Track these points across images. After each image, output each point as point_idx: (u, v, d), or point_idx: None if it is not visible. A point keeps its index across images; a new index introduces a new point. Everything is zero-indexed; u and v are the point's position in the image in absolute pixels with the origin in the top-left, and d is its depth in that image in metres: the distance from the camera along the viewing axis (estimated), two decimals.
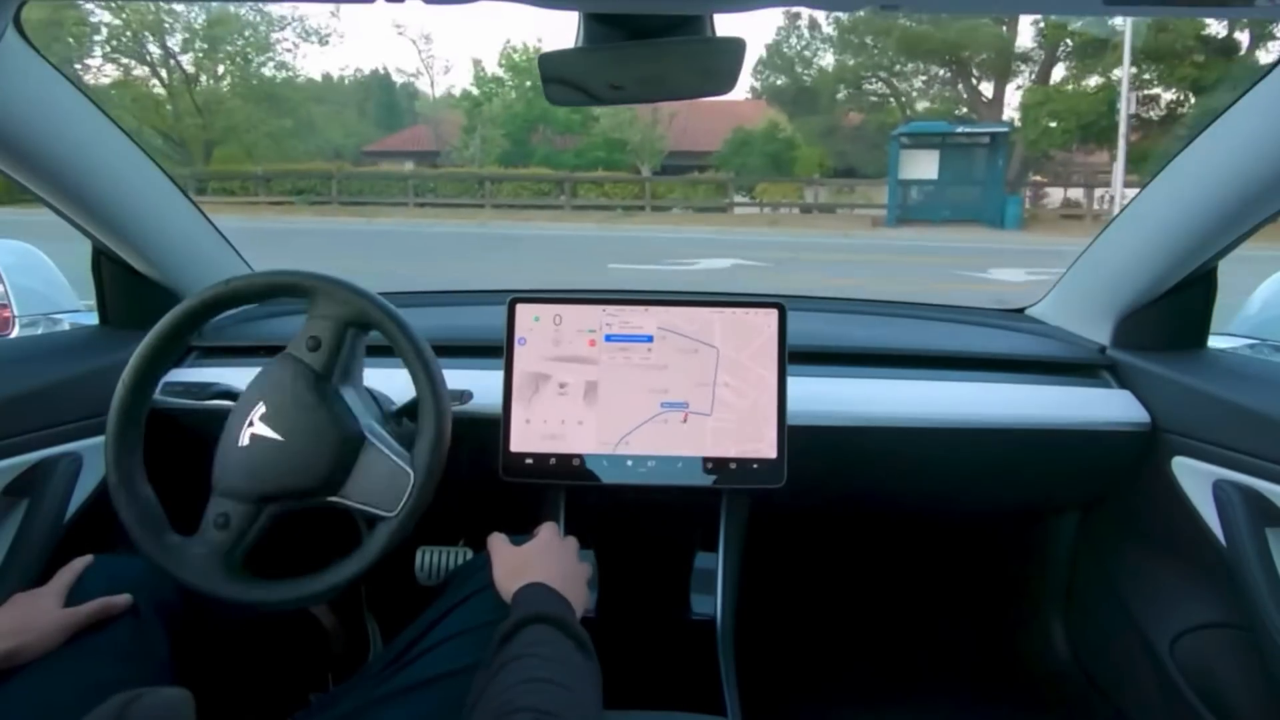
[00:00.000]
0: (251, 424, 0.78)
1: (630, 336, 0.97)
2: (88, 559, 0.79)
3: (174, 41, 17.72)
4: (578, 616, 0.70)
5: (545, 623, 0.65)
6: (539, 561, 0.75)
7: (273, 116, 18.24)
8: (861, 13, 0.70)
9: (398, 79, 24.38)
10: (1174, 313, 1.07)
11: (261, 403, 0.79)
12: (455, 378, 0.87)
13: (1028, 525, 1.32)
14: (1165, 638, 1.03)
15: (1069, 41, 15.88)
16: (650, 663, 0.92)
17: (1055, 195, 16.35)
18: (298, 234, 10.60)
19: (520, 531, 0.83)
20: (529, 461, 0.95)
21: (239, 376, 0.88)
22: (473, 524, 1.00)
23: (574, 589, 0.74)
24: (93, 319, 1.15)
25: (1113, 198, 12.79)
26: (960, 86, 17.99)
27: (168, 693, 0.60)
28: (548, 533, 0.81)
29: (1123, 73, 13.37)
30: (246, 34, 18.47)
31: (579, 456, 0.95)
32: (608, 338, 0.97)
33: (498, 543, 0.80)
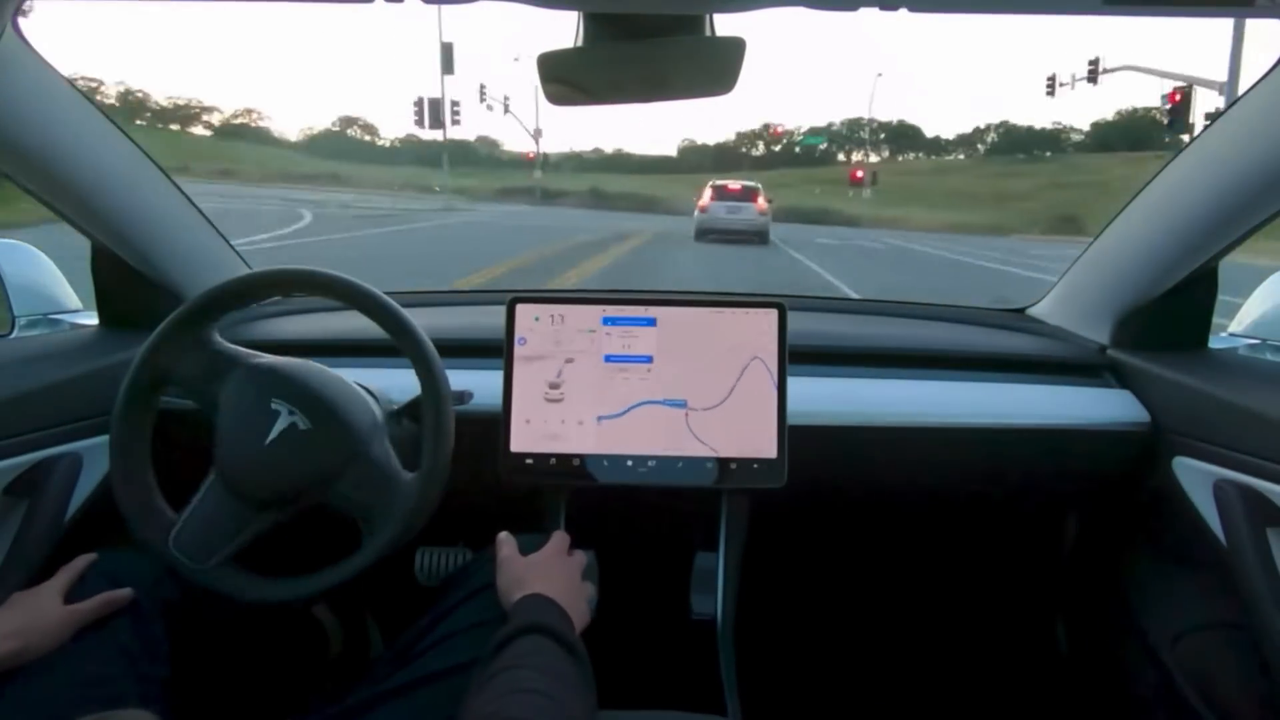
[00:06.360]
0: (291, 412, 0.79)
1: (630, 358, 0.97)
2: (90, 556, 0.79)
3: None
4: (577, 631, 0.70)
5: (540, 633, 0.65)
6: (543, 573, 0.75)
7: None
8: (860, 12, 0.70)
9: None
10: (1174, 312, 1.07)
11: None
12: (455, 378, 0.87)
13: (1028, 525, 1.32)
14: (1165, 638, 1.03)
15: None
16: (650, 663, 0.92)
17: None
18: None
19: (521, 532, 0.83)
20: (529, 462, 0.95)
21: None
22: (473, 525, 1.00)
23: (574, 604, 0.74)
24: (92, 319, 1.15)
25: None
26: None
27: (130, 714, 0.60)
28: (556, 544, 0.81)
29: None
30: None
31: (579, 456, 0.95)
32: (607, 358, 0.97)
33: (505, 546, 0.80)
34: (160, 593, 0.79)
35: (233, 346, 0.86)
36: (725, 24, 0.66)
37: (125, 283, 1.08)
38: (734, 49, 0.66)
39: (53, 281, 1.22)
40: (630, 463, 0.95)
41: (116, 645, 0.73)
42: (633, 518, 1.06)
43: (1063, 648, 1.29)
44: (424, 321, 0.84)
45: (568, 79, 0.72)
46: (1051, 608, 1.32)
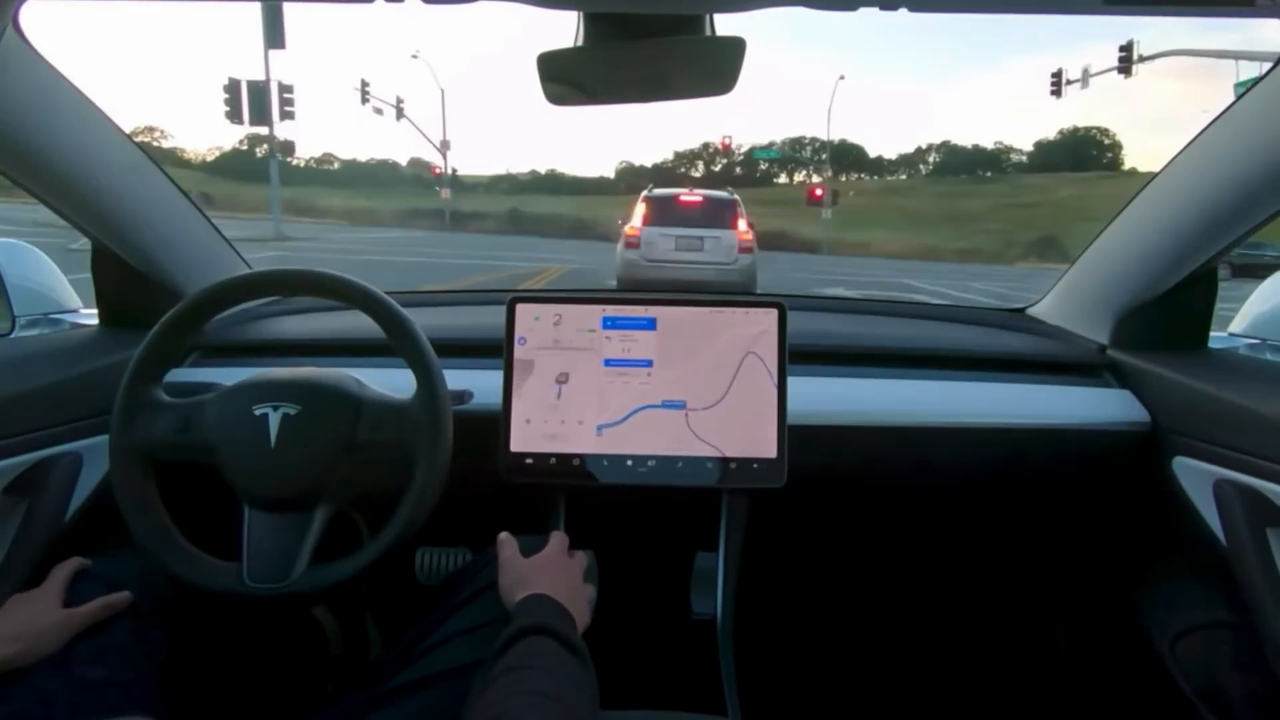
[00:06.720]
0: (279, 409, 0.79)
1: (630, 362, 0.97)
2: (83, 560, 0.79)
3: None
4: (579, 631, 0.70)
5: (543, 634, 0.65)
6: (545, 574, 0.75)
7: None
8: (860, 12, 0.70)
9: None
10: (1174, 312, 1.07)
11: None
12: (455, 378, 0.87)
13: (1027, 525, 1.32)
14: (1165, 638, 1.03)
15: None
16: (650, 663, 0.92)
17: None
18: None
19: (521, 532, 0.83)
20: (529, 461, 0.95)
21: (240, 377, 0.87)
22: (473, 525, 1.00)
23: (576, 605, 0.74)
24: (92, 319, 1.15)
25: None
26: None
27: None
28: (556, 544, 0.81)
29: None
30: None
31: (579, 456, 0.95)
32: (607, 362, 0.97)
33: (506, 547, 0.79)
34: (159, 595, 0.79)
35: (176, 399, 0.84)
36: (725, 24, 0.66)
37: (125, 283, 1.08)
38: (734, 49, 0.66)
39: (53, 281, 1.22)
40: (630, 463, 0.95)
41: (115, 649, 0.72)
42: (632, 518, 1.06)
43: (1063, 647, 1.29)
44: (424, 321, 0.84)
45: (568, 79, 0.72)
46: (1051, 607, 1.32)
